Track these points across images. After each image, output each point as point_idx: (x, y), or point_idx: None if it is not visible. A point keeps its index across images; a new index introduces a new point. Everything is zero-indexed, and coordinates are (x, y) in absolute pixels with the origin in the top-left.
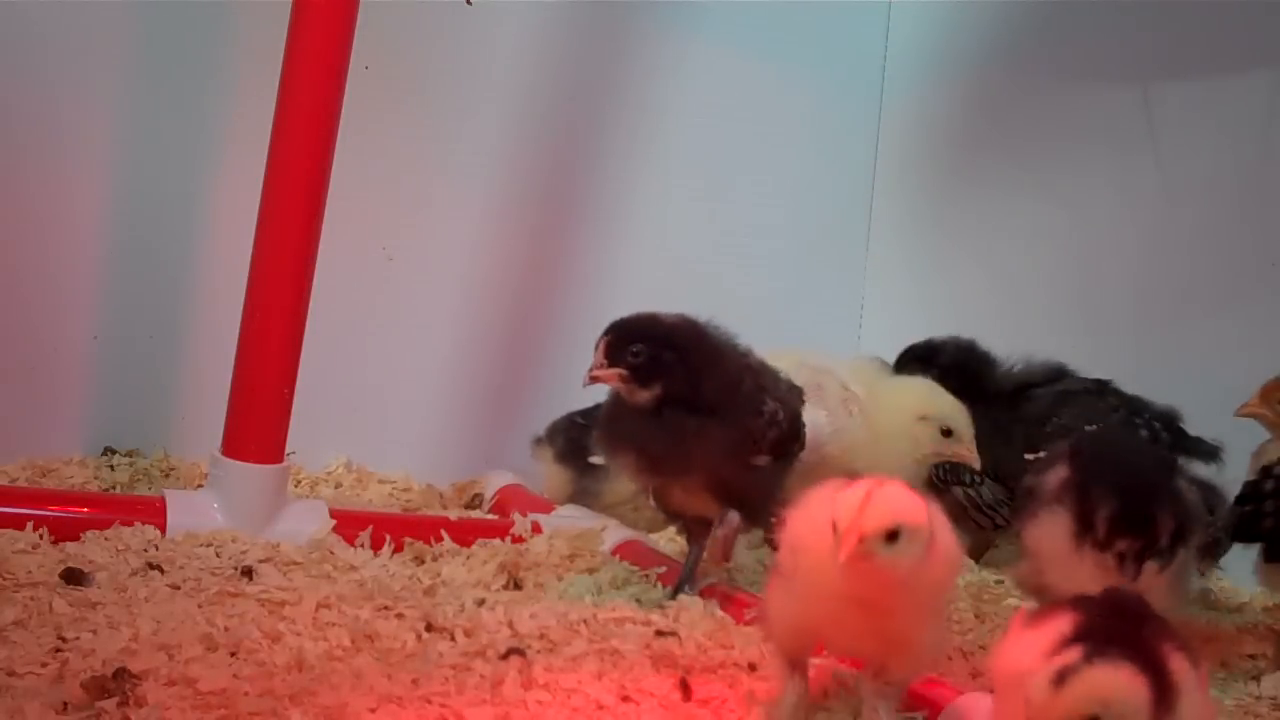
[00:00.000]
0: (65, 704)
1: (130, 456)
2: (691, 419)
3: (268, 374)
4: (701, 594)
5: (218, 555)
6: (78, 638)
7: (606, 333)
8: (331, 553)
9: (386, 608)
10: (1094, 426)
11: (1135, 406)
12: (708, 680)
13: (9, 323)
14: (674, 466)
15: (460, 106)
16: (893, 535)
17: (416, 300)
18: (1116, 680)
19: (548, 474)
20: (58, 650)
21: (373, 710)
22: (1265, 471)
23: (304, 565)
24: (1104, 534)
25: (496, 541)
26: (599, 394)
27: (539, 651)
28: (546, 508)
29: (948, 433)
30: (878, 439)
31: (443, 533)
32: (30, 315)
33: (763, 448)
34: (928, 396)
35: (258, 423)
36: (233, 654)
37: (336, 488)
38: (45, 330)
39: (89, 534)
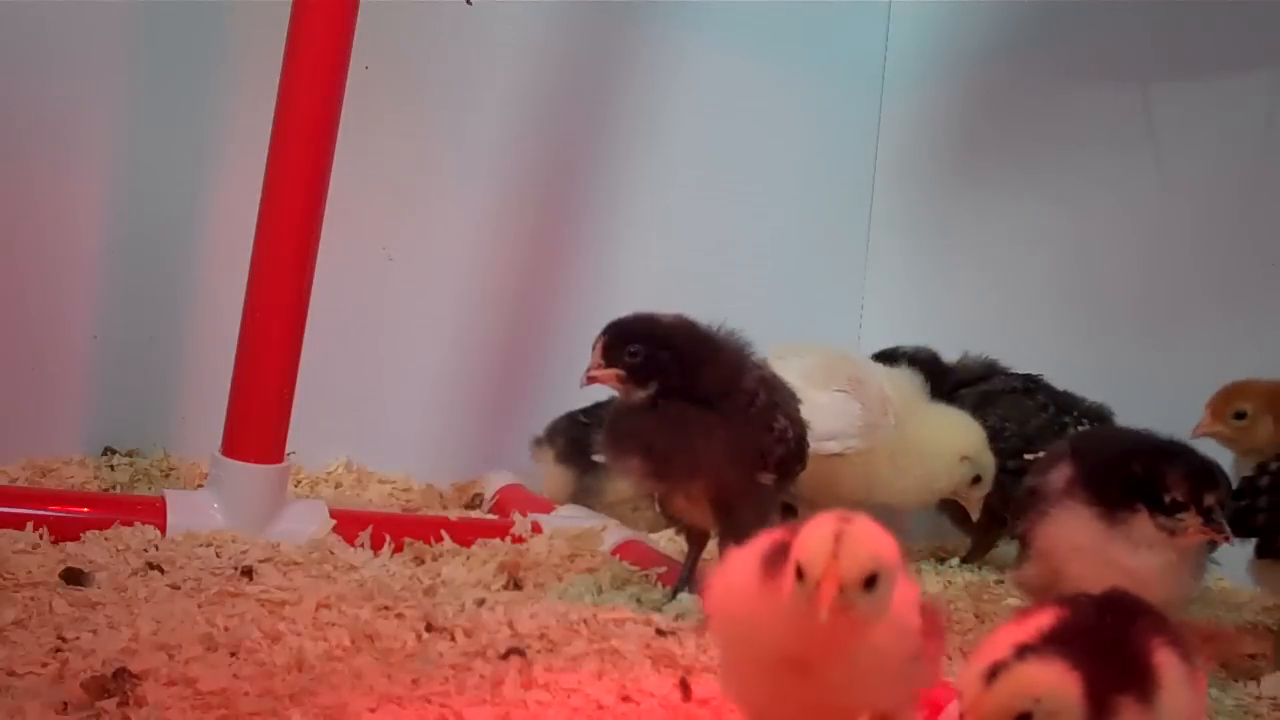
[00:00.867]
0: (65, 704)
1: (130, 456)
2: (692, 410)
3: (268, 374)
4: (701, 594)
5: (218, 555)
6: (78, 638)
7: (603, 333)
8: (331, 553)
9: (386, 608)
10: (1019, 425)
11: (1064, 404)
12: (708, 680)
13: (9, 323)
14: (680, 468)
15: (460, 107)
16: (871, 581)
17: (416, 300)
18: (1047, 676)
19: (548, 474)
20: (58, 650)
21: (373, 710)
22: (1261, 468)
23: (304, 565)
24: (1185, 494)
25: (496, 541)
26: (600, 393)
27: (539, 651)
28: (546, 508)
29: (977, 480)
30: (908, 457)
31: (443, 533)
32: (30, 315)
33: (770, 464)
34: (976, 439)
35: (258, 423)
36: (233, 654)
37: (336, 488)
38: (45, 330)
39: (89, 534)
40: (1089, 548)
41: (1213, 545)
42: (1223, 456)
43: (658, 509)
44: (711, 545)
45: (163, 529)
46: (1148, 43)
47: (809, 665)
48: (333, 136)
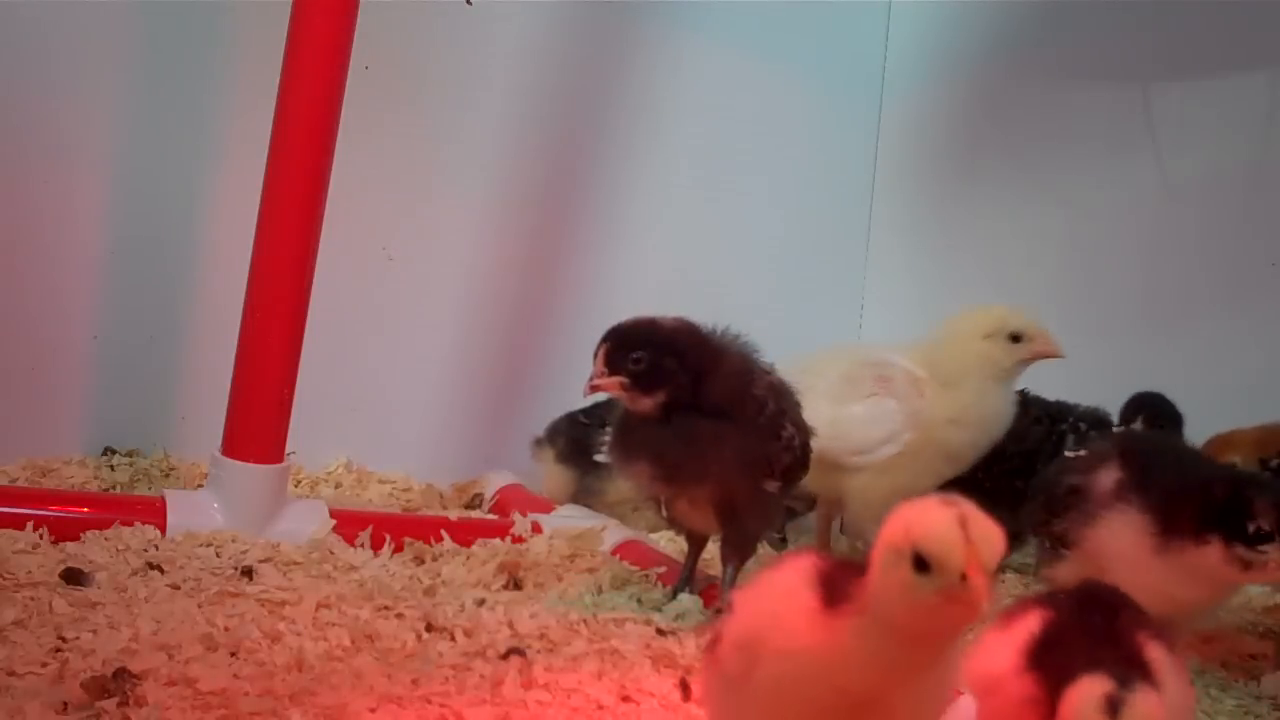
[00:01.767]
0: (65, 704)
1: (130, 456)
2: (704, 422)
3: (268, 374)
4: (702, 594)
5: (218, 555)
6: (78, 638)
7: (605, 340)
8: (331, 553)
9: (386, 608)
10: (1018, 442)
11: (1057, 413)
12: None
13: (9, 323)
14: (689, 474)
15: (460, 107)
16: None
17: (416, 300)
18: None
19: (548, 474)
20: (58, 650)
21: (373, 710)
22: (1262, 464)
23: (304, 565)
24: (1273, 523)
25: (496, 541)
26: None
27: (539, 651)
28: (546, 508)
29: (1016, 338)
30: (957, 386)
31: (443, 533)
32: (30, 315)
33: (776, 472)
34: (982, 314)
35: (258, 423)
36: (233, 654)
37: (336, 488)
38: (45, 330)
39: (89, 534)
40: (1139, 563)
41: None
42: None
43: (663, 513)
44: (712, 547)
45: (163, 529)
46: (1148, 43)
47: (877, 700)
48: (333, 136)
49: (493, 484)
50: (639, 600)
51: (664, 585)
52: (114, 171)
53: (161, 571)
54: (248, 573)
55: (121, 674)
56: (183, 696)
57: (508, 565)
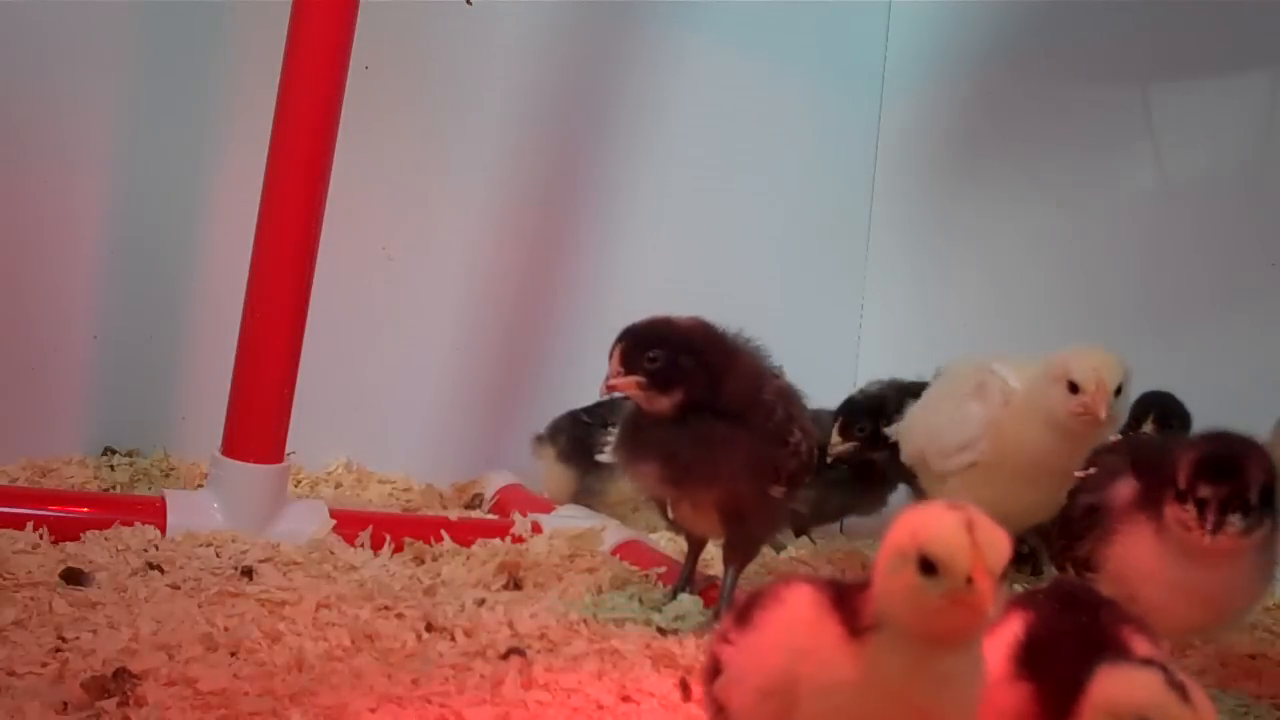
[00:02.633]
0: (65, 704)
1: (130, 456)
2: (718, 425)
3: (268, 374)
4: (702, 594)
5: (218, 555)
6: (78, 638)
7: (621, 339)
8: (331, 553)
9: (386, 608)
10: None
11: None
12: None
13: (9, 323)
14: (699, 477)
15: (460, 106)
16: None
17: (416, 300)
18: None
19: (549, 473)
20: (58, 650)
21: (373, 710)
22: None
23: (304, 565)
24: (1185, 483)
25: (496, 541)
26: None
27: (539, 651)
28: (546, 508)
29: (1074, 388)
30: (1025, 421)
31: (443, 533)
32: (30, 315)
33: (782, 477)
34: (1062, 355)
35: (258, 423)
36: (233, 654)
37: (336, 488)
38: (45, 330)
39: (89, 534)
40: (1160, 570)
41: None
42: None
43: (669, 515)
44: (712, 548)
45: (163, 529)
46: (1148, 43)
47: (924, 714)
48: (333, 136)
49: (493, 484)
50: (639, 600)
51: (664, 585)
52: (114, 171)
53: (161, 571)
54: (248, 573)
55: (121, 674)
56: (183, 696)
57: (508, 565)
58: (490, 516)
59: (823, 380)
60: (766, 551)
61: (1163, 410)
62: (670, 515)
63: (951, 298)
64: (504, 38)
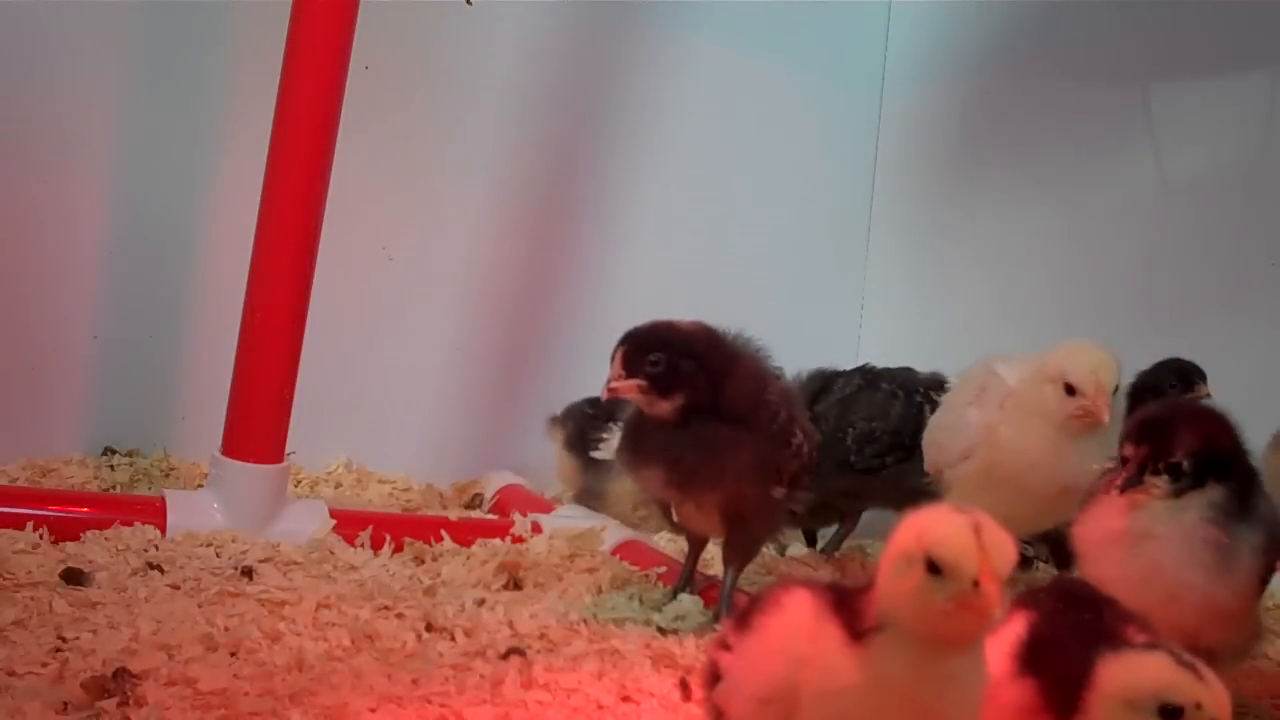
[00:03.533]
0: (65, 704)
1: (130, 456)
2: (722, 428)
3: (268, 374)
4: (702, 594)
5: (218, 555)
6: (78, 638)
7: (622, 342)
8: (331, 553)
9: (386, 608)
10: (884, 421)
11: (907, 384)
12: None
13: (9, 323)
14: (703, 480)
15: (460, 107)
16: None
17: (416, 300)
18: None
19: (558, 457)
20: (58, 650)
21: (373, 710)
22: None
23: (304, 565)
24: (1119, 444)
25: (496, 541)
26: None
27: (539, 651)
28: (546, 508)
29: (1071, 389)
30: (1019, 423)
31: (443, 533)
32: (30, 315)
33: (784, 479)
34: (1055, 355)
35: (258, 423)
36: (233, 654)
37: (336, 488)
38: (45, 330)
39: (89, 534)
40: (1104, 548)
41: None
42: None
43: (673, 517)
44: (712, 548)
45: (163, 529)
46: (1148, 43)
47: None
48: (333, 136)
49: (493, 484)
50: (639, 600)
51: (664, 585)
52: (114, 171)
53: (161, 571)
54: (248, 573)
55: (121, 674)
56: (183, 696)
57: (508, 565)
58: (490, 516)
59: None
60: (767, 552)
61: (1181, 374)
62: (674, 518)
63: (951, 298)
64: (504, 38)
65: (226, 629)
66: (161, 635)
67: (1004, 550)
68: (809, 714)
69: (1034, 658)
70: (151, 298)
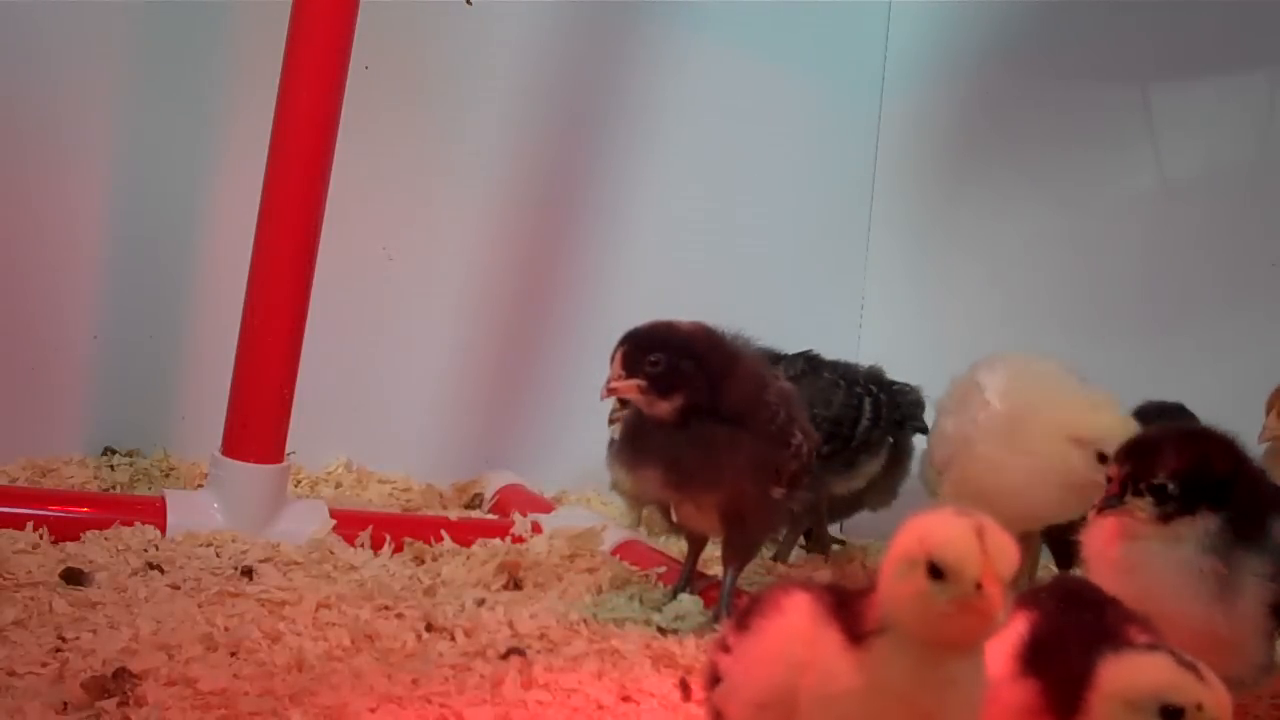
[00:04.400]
0: (65, 704)
1: (130, 456)
2: (721, 429)
3: (268, 374)
4: (702, 594)
5: (218, 555)
6: (78, 638)
7: (622, 343)
8: (331, 553)
9: (386, 608)
10: (825, 408)
11: (847, 374)
12: None
13: (9, 323)
14: (703, 481)
15: (460, 106)
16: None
17: (416, 300)
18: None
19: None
20: (58, 650)
21: (373, 710)
22: None
23: (304, 565)
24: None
25: (496, 541)
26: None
27: (539, 651)
28: (546, 508)
29: (1104, 459)
30: (1024, 458)
31: (443, 533)
32: (30, 315)
33: (783, 479)
34: (1085, 414)
35: (258, 423)
36: (233, 654)
37: (336, 488)
38: (45, 330)
39: (89, 534)
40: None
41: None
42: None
43: (673, 518)
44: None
45: (163, 529)
46: (1148, 43)
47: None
48: (332, 136)
49: (493, 484)
50: (639, 600)
51: (664, 585)
52: (114, 171)
53: (161, 571)
54: (248, 573)
55: (121, 674)
56: (183, 696)
57: (508, 565)
58: (490, 516)
59: None
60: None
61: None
62: (674, 519)
63: (951, 298)
64: (504, 38)
65: (226, 629)
66: (161, 635)
67: (1007, 553)
68: (809, 718)
69: (1035, 658)
70: (151, 298)
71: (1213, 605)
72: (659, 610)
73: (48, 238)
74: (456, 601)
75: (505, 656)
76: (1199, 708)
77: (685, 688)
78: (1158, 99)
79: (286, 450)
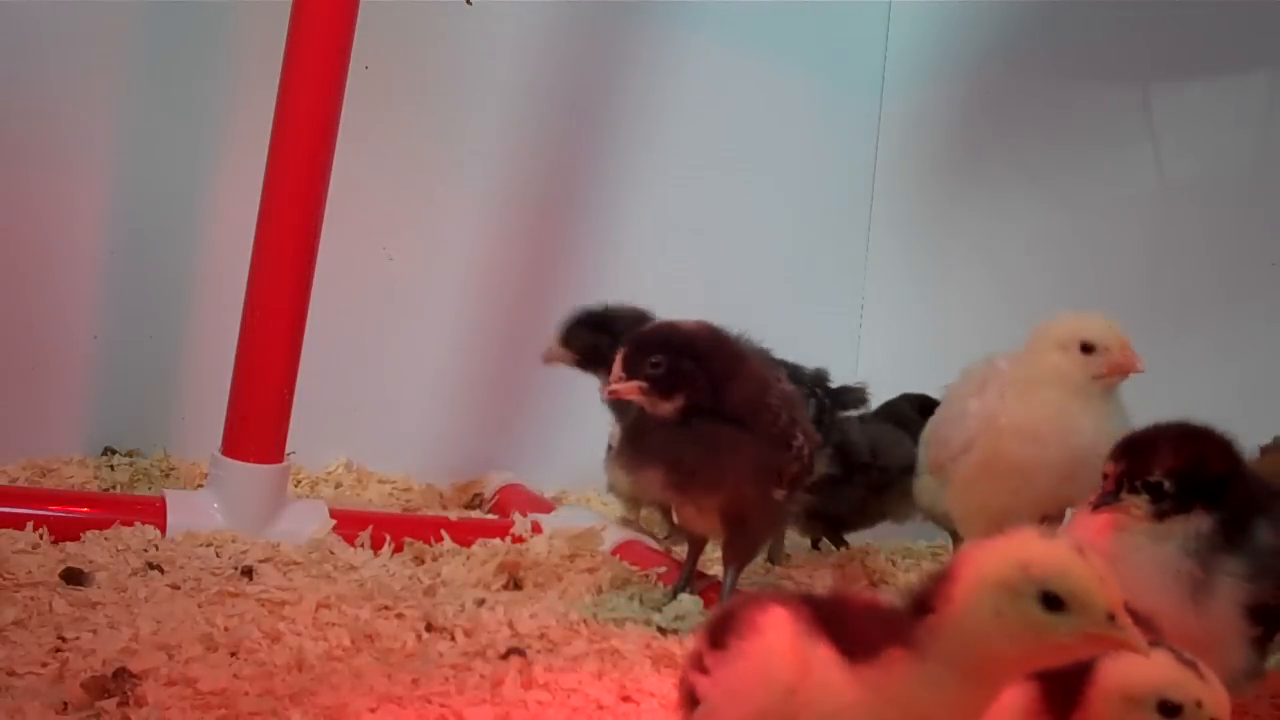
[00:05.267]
0: (65, 704)
1: (130, 456)
2: (723, 430)
3: (268, 374)
4: (702, 594)
5: (218, 555)
6: (78, 638)
7: (624, 344)
8: (331, 553)
9: (386, 608)
10: None
11: (795, 375)
12: None
13: (9, 323)
14: (704, 482)
15: (460, 106)
16: None
17: (416, 300)
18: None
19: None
20: (58, 650)
21: (373, 710)
22: None
23: (304, 565)
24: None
25: (496, 541)
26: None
27: (539, 651)
28: (546, 508)
29: (1088, 348)
30: (1030, 396)
31: (443, 533)
32: (30, 315)
33: (784, 481)
34: (1059, 322)
35: (258, 423)
36: (233, 654)
37: (336, 488)
38: (45, 330)
39: (89, 534)
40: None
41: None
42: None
43: (674, 519)
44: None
45: (163, 529)
46: (1147, 43)
47: None
48: (333, 136)
49: (493, 484)
50: (639, 600)
51: (664, 585)
52: (114, 171)
53: (161, 571)
54: (248, 573)
55: (121, 674)
56: (183, 696)
57: (508, 565)
58: (490, 516)
59: None
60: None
61: None
62: (675, 520)
63: (951, 298)
64: (504, 38)
65: (226, 629)
66: (161, 635)
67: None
68: None
69: None
70: (151, 298)
71: (1185, 604)
72: (659, 610)
73: (48, 238)
74: (456, 601)
75: (505, 656)
76: (1198, 705)
77: None
78: (1158, 99)
79: (286, 450)
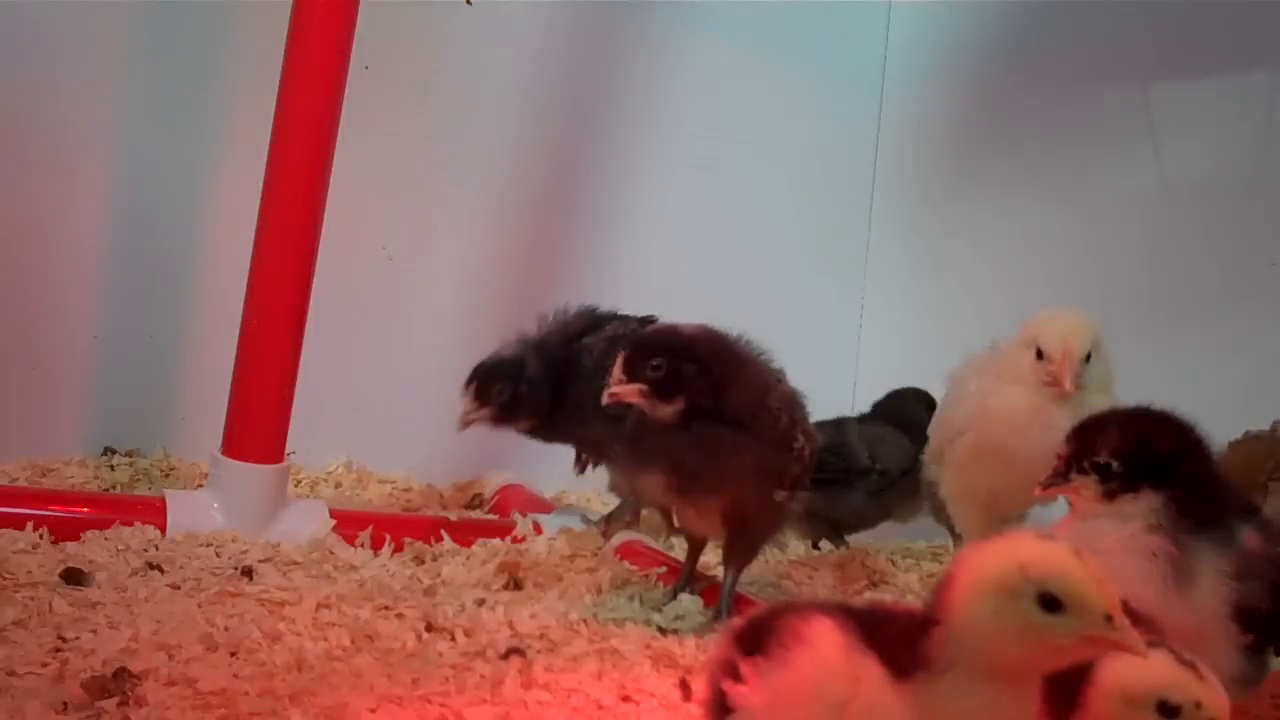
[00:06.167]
0: (65, 704)
1: (130, 456)
2: (724, 433)
3: (268, 374)
4: (702, 594)
5: (218, 555)
6: (78, 638)
7: (624, 347)
8: (331, 553)
9: (386, 608)
10: None
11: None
12: None
13: (9, 322)
14: (705, 485)
15: (460, 106)
16: None
17: (416, 300)
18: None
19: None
20: (58, 650)
21: (373, 710)
22: None
23: (304, 565)
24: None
25: (496, 541)
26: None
27: (539, 651)
28: (546, 508)
29: (1040, 354)
30: (1007, 388)
31: (443, 533)
32: (30, 315)
33: (786, 483)
34: (1033, 320)
35: (258, 423)
36: (233, 654)
37: (336, 488)
38: (45, 330)
39: (89, 534)
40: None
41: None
42: None
43: (674, 522)
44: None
45: (163, 529)
46: (1148, 43)
47: None
48: (333, 137)
49: (493, 484)
50: (639, 600)
51: (664, 585)
52: (114, 171)
53: (161, 571)
54: (248, 573)
55: (121, 674)
56: (183, 696)
57: (508, 565)
58: (490, 516)
59: (823, 380)
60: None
61: None
62: (675, 523)
63: (951, 297)
64: (504, 38)
65: (226, 629)
66: (161, 635)
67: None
68: None
69: None
70: (151, 298)
71: (1168, 592)
72: (659, 610)
73: (48, 238)
74: (456, 601)
75: (505, 656)
76: (1197, 705)
77: (685, 688)
78: (1158, 99)
79: (286, 450)
